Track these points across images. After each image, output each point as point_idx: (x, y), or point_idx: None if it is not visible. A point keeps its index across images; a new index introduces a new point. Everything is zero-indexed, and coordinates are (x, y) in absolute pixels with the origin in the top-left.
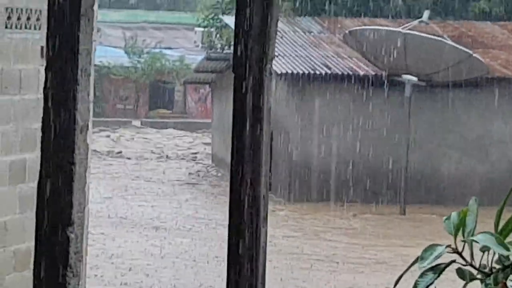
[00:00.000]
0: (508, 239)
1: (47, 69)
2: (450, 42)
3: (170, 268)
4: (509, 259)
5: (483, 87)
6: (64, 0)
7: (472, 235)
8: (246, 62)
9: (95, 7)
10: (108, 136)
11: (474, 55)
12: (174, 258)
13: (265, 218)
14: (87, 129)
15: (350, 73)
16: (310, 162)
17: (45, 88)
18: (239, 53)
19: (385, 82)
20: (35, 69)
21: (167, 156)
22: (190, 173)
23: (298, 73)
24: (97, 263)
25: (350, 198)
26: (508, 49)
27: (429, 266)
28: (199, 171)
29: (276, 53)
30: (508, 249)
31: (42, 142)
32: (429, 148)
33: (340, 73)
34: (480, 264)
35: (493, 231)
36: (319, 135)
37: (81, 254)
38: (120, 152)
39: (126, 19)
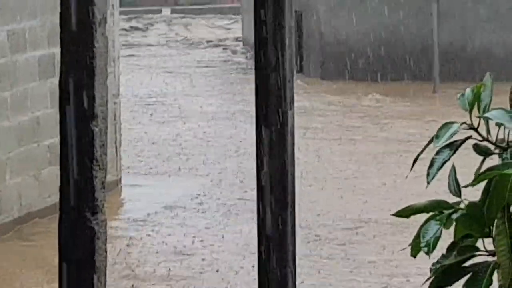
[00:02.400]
0: None
1: None
2: None
3: None
4: None
5: None
6: None
7: (487, 111)
8: None
9: None
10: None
11: None
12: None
13: (292, 101)
14: (106, 22)
15: None
16: (342, 41)
17: None
18: None
19: None
20: None
21: (200, 42)
22: (219, 57)
23: None
24: None
25: (381, 75)
26: None
27: (445, 143)
28: (229, 54)
29: None
30: None
31: (61, 37)
32: (461, 21)
33: None
34: (496, 139)
35: None
36: (348, 12)
37: (106, 148)
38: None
39: None
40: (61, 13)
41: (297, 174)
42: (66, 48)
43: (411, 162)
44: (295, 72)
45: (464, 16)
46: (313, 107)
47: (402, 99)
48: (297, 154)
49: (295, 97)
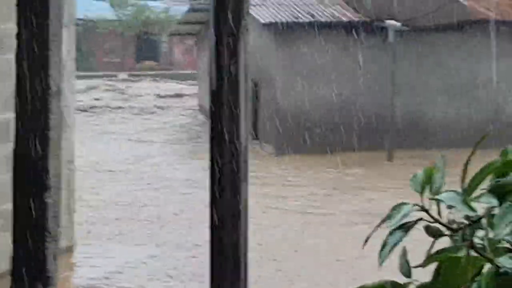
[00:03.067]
0: (476, 191)
1: (18, 35)
2: None
3: None
4: (477, 215)
5: (466, 30)
6: None
7: (439, 192)
8: (222, 18)
9: None
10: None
11: None
12: None
13: (246, 174)
14: (60, 93)
15: (334, 20)
16: (297, 111)
17: (17, 53)
18: (215, 8)
19: (369, 28)
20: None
21: (153, 107)
22: (175, 123)
23: (282, 22)
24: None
25: (337, 145)
26: None
27: (397, 225)
28: (186, 122)
29: (259, 2)
30: (472, 209)
31: (16, 108)
32: (415, 93)
33: (324, 20)
34: (448, 221)
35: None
36: (305, 83)
37: (59, 218)
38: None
39: None
40: (16, 83)
41: (252, 246)
42: (20, 118)
43: (367, 235)
44: (250, 140)
45: (419, 88)
46: (268, 177)
47: (357, 169)
48: (251, 225)
49: (250, 167)
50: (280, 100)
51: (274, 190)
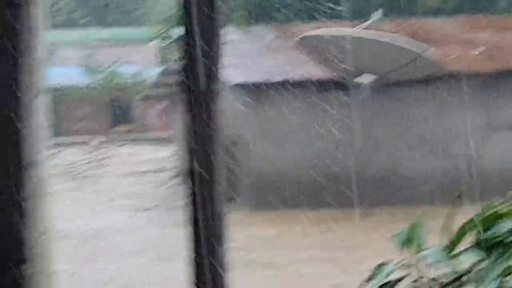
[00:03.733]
0: (458, 246)
1: None
2: (402, 40)
3: None
4: (461, 271)
5: (436, 84)
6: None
7: (421, 248)
8: (194, 80)
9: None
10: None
11: (427, 52)
12: None
13: (222, 236)
14: (33, 165)
15: (305, 79)
16: (272, 171)
17: None
18: (187, 71)
19: (342, 84)
20: None
21: (133, 172)
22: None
23: (252, 82)
24: None
25: (312, 203)
26: (459, 43)
27: (380, 284)
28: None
29: (229, 63)
30: (459, 262)
31: None
32: (388, 149)
33: (295, 79)
34: (431, 278)
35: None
36: (279, 143)
37: None
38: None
39: (80, 38)
40: None
41: None
42: None
43: None
44: (225, 204)
45: (393, 143)
46: (244, 240)
47: (331, 226)
48: None
49: (228, 228)
50: (254, 161)
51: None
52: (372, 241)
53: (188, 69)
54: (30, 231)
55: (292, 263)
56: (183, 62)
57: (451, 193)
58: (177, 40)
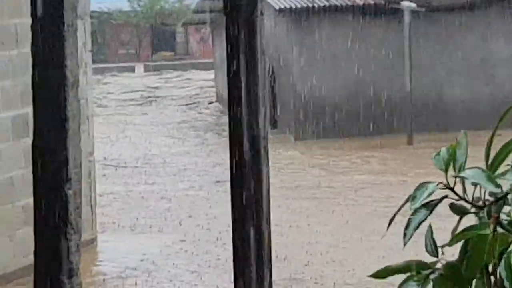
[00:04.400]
0: (501, 168)
1: (32, 26)
2: None
3: None
4: (502, 191)
5: (481, 9)
6: None
7: (463, 169)
8: (236, 4)
9: None
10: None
11: None
12: None
13: (266, 159)
14: (78, 84)
15: (349, 3)
16: (315, 96)
17: (32, 45)
18: None
19: (384, 10)
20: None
21: (171, 98)
22: (192, 112)
23: (297, 7)
24: None
25: (356, 130)
26: None
27: (421, 204)
28: (202, 111)
29: None
30: (497, 186)
31: (33, 100)
32: (433, 74)
33: (339, 4)
34: (472, 198)
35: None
36: (322, 68)
37: (80, 210)
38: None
39: None
40: (33, 76)
41: (274, 233)
42: (38, 110)
43: (390, 219)
44: (269, 129)
45: (436, 69)
46: (287, 165)
47: (377, 153)
48: (273, 213)
49: (270, 155)
50: (297, 86)
51: (291, 177)
52: (419, 166)
53: None
54: (75, 151)
55: (343, 189)
56: None
57: (495, 118)
58: None
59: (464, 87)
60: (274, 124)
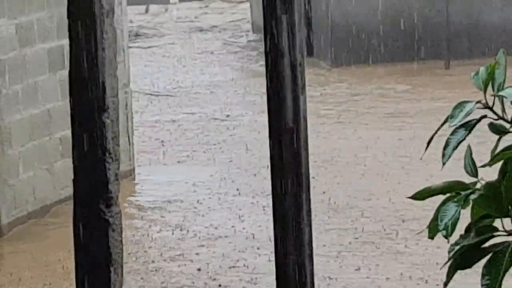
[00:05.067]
0: None
1: None
2: None
3: None
4: None
5: None
6: None
7: (502, 89)
8: None
9: None
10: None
11: None
12: None
13: (303, 85)
14: (113, 12)
15: None
16: (350, 22)
17: None
18: None
19: None
20: None
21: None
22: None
23: None
24: None
25: (393, 55)
26: None
27: (460, 123)
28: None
29: None
30: None
31: (69, 30)
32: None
33: None
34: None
35: None
36: None
37: (118, 139)
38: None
39: None
40: (68, 5)
41: (312, 159)
42: (74, 40)
43: (428, 140)
44: (305, 56)
45: None
46: (325, 92)
47: (415, 78)
48: (311, 140)
49: (306, 82)
50: (332, 12)
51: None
52: (463, 88)
53: None
54: (112, 80)
55: (348, 112)
56: None
57: None
58: None
59: (502, 11)
60: (310, 50)
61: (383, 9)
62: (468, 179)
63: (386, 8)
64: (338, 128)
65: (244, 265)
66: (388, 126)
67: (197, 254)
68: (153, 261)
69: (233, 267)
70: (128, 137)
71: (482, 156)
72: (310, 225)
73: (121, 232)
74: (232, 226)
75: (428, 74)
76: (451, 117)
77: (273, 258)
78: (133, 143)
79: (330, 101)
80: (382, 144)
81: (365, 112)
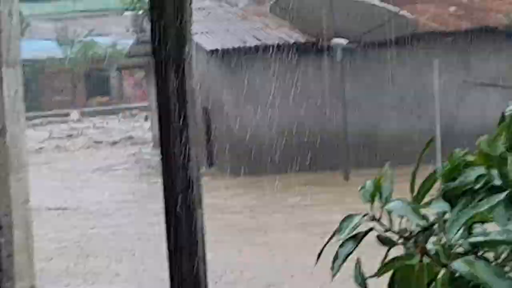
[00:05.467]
0: (425, 198)
1: None
2: (376, 1)
3: None
4: (427, 222)
5: (413, 43)
6: None
7: (389, 201)
8: (164, 47)
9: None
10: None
11: (401, 12)
12: None
13: (200, 200)
14: (6, 131)
15: (281, 43)
16: (250, 136)
17: None
18: (156, 38)
19: (316, 48)
20: None
21: (112, 142)
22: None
23: (228, 48)
24: None
25: (292, 167)
26: (435, 1)
27: (348, 236)
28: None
29: (205, 30)
30: (422, 217)
31: None
32: (367, 110)
33: (270, 43)
34: (399, 229)
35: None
36: (256, 107)
37: (13, 257)
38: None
39: (55, 10)
40: None
41: (210, 275)
42: None
43: (318, 253)
44: (204, 169)
45: (369, 105)
46: (224, 204)
47: (315, 189)
48: (209, 253)
49: (205, 194)
50: (232, 126)
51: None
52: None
53: (157, 38)
54: (4, 198)
55: (277, 228)
56: (152, 30)
57: (430, 153)
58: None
59: (399, 122)
60: (211, 163)
61: (282, 122)
62: None
63: (285, 122)
64: (233, 238)
65: None
66: (287, 234)
67: None
68: None
69: None
70: (29, 254)
71: (373, 268)
72: None
73: None
74: None
75: (327, 186)
76: (339, 230)
77: None
78: (33, 261)
79: (229, 213)
80: (280, 254)
81: (263, 222)
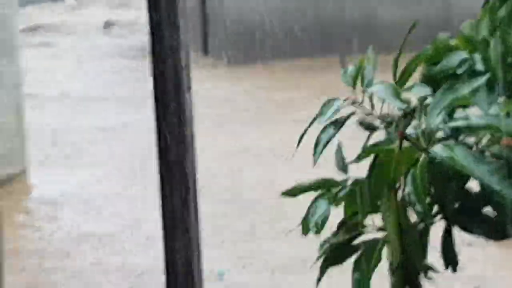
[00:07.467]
0: (408, 82)
1: None
2: None
3: None
4: (409, 107)
5: None
6: None
7: (370, 85)
8: None
9: None
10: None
11: None
12: None
13: (189, 86)
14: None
15: None
16: (246, 20)
17: None
18: None
19: None
20: None
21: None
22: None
23: None
24: None
25: (288, 52)
26: None
27: (329, 121)
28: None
29: None
30: (403, 101)
31: None
32: None
33: None
34: (381, 114)
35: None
36: None
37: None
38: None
39: None
40: None
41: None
42: None
43: (299, 138)
44: (201, 55)
45: None
46: (218, 91)
47: (310, 75)
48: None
49: (199, 81)
50: (227, 11)
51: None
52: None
53: None
54: None
55: (240, 110)
56: None
57: (429, 38)
58: None
59: (395, 7)
60: (205, 49)
61: (278, 6)
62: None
63: (281, 6)
64: (226, 127)
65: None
66: (281, 125)
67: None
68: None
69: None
70: (21, 138)
71: (355, 153)
72: (198, 227)
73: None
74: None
75: (323, 72)
76: (320, 114)
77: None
78: (25, 145)
79: (223, 100)
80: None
81: (258, 110)
